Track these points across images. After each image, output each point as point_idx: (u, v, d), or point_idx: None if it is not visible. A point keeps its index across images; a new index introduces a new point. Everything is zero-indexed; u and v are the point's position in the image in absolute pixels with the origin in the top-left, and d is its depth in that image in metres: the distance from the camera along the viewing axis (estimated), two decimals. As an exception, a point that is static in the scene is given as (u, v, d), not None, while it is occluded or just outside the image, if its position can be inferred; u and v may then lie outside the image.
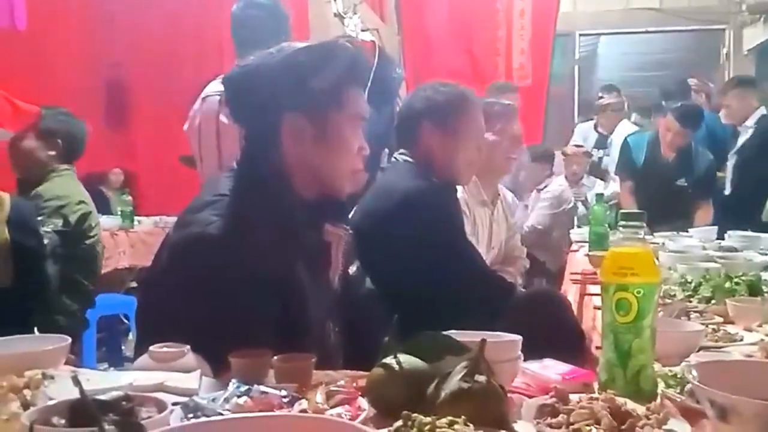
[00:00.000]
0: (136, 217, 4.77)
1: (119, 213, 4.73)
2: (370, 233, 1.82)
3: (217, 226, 1.30)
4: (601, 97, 6.04)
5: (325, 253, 1.48)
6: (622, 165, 4.73)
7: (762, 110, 4.91)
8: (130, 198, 4.78)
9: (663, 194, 4.36)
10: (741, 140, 4.73)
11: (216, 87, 2.60)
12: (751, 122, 4.81)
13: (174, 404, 0.93)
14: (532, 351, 1.21)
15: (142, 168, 5.85)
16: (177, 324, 1.25)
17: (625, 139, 4.88)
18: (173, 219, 5.75)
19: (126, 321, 4.71)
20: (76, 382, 0.66)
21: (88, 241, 2.99)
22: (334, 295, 1.52)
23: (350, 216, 1.81)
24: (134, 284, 5.11)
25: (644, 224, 1.06)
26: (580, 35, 7.83)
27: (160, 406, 0.81)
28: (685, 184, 4.41)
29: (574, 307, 2.33)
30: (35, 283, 2.05)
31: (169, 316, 1.29)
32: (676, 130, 4.39)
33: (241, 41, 2.68)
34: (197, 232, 1.31)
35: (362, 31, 4.76)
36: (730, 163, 4.76)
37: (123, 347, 4.75)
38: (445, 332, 1.05)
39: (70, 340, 1.22)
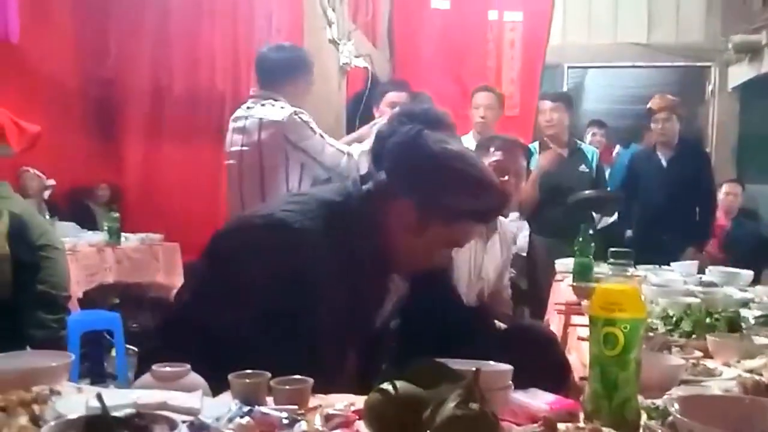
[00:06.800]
0: (122, 234, 4.74)
1: (106, 229, 4.70)
2: None
3: (302, 222, 1.40)
4: (594, 135, 6.14)
5: (382, 294, 1.59)
6: None
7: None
8: (117, 215, 4.74)
9: (565, 179, 4.39)
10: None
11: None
12: None
13: (178, 423, 0.96)
14: (520, 386, 1.26)
15: (130, 185, 5.85)
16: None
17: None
18: (159, 236, 5.65)
19: (109, 337, 4.67)
20: (100, 399, 0.69)
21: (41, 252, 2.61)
22: (369, 333, 1.60)
23: None
24: (118, 301, 5.07)
25: (632, 262, 1.12)
26: (569, 67, 7.95)
27: (171, 425, 0.84)
28: (587, 170, 4.50)
29: (558, 337, 2.35)
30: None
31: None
32: (549, 108, 4.54)
33: (260, 76, 3.23)
34: (282, 217, 1.42)
35: (356, 57, 4.82)
36: None
37: (105, 363, 4.71)
38: (440, 360, 1.09)
39: (73, 356, 1.26)
